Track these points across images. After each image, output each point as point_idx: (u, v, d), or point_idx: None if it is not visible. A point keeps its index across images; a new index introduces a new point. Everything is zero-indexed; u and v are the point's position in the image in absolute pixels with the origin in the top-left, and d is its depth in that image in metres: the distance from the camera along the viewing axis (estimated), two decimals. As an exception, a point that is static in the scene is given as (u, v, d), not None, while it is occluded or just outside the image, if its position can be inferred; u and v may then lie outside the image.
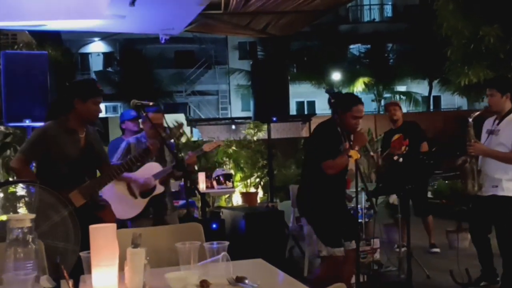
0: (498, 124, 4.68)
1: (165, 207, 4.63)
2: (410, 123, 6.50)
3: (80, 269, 2.21)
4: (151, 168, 4.48)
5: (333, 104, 4.07)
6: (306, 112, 25.08)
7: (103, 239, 2.03)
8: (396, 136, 6.33)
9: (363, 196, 5.57)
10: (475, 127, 4.76)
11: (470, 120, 4.67)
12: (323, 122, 4.18)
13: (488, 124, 4.81)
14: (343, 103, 4.04)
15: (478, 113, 4.77)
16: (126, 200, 4.47)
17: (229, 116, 25.21)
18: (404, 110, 6.98)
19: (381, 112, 24.39)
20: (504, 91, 4.62)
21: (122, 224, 4.21)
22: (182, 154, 4.85)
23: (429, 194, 7.29)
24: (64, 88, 5.44)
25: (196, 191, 4.28)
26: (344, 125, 3.99)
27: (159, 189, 4.53)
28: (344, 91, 23.01)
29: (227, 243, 2.31)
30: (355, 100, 4.06)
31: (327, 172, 3.91)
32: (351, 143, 3.94)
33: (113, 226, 2.08)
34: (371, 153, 4.47)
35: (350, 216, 4.34)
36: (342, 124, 4.00)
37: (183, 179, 6.95)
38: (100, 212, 3.56)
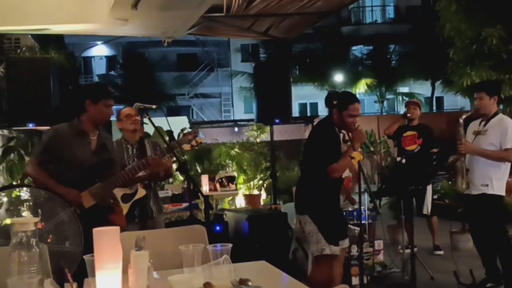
0: (485, 125, 4.84)
1: (150, 210, 4.55)
2: (425, 127, 6.62)
3: (84, 272, 2.21)
4: None
5: (329, 103, 4.11)
6: (308, 114, 25.09)
7: (107, 242, 2.03)
8: (409, 133, 6.48)
9: (366, 198, 5.57)
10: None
11: (461, 120, 4.87)
12: (322, 122, 4.21)
13: (474, 126, 4.97)
14: (339, 102, 4.07)
15: (468, 114, 5.01)
16: None
17: (232, 118, 25.21)
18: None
19: (384, 114, 24.39)
20: (492, 94, 4.82)
21: None
22: (185, 156, 4.84)
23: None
24: (74, 90, 5.45)
25: (199, 194, 4.27)
26: (342, 124, 4.03)
27: (141, 192, 4.46)
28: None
29: (230, 245, 2.31)
30: (351, 98, 4.11)
31: (332, 176, 3.95)
32: (349, 142, 3.99)
33: (116, 229, 2.09)
34: (371, 148, 4.52)
35: (341, 214, 4.43)
36: (340, 123, 4.03)
37: (185, 182, 6.96)
38: (110, 214, 3.55)
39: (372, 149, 4.56)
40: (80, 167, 3.49)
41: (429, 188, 6.53)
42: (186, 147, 4.84)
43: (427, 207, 6.52)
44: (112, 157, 3.70)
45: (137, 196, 4.48)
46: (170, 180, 8.39)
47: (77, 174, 3.47)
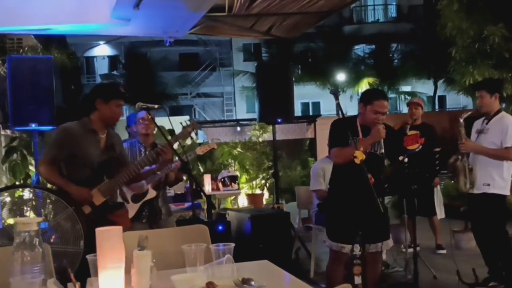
0: (487, 123, 4.84)
1: (159, 212, 4.57)
2: (428, 126, 6.58)
3: (86, 272, 2.22)
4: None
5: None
6: (311, 113, 25.04)
7: (110, 241, 2.04)
8: (412, 132, 6.42)
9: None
10: (466, 128, 4.91)
11: (461, 120, 4.85)
12: (343, 117, 4.07)
13: (477, 124, 4.98)
14: (365, 96, 3.97)
15: (469, 113, 4.98)
16: None
17: (234, 118, 25.17)
18: (409, 110, 7.10)
19: (387, 112, 24.32)
20: (492, 92, 4.81)
21: None
22: (188, 157, 4.84)
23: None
24: (77, 90, 5.47)
25: (201, 193, 4.27)
26: (365, 120, 3.87)
27: (151, 193, 4.50)
28: (349, 91, 23.05)
29: (233, 245, 2.32)
30: (378, 94, 3.96)
31: (333, 161, 3.88)
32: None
33: (119, 228, 2.09)
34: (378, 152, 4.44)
35: (374, 218, 3.61)
36: (363, 119, 3.89)
37: (188, 182, 6.97)
38: (113, 215, 3.55)
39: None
40: (90, 165, 3.51)
41: (437, 190, 6.52)
42: (199, 151, 4.88)
43: (441, 211, 6.53)
44: (119, 155, 3.70)
45: (148, 197, 4.50)
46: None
47: (87, 172, 3.49)
